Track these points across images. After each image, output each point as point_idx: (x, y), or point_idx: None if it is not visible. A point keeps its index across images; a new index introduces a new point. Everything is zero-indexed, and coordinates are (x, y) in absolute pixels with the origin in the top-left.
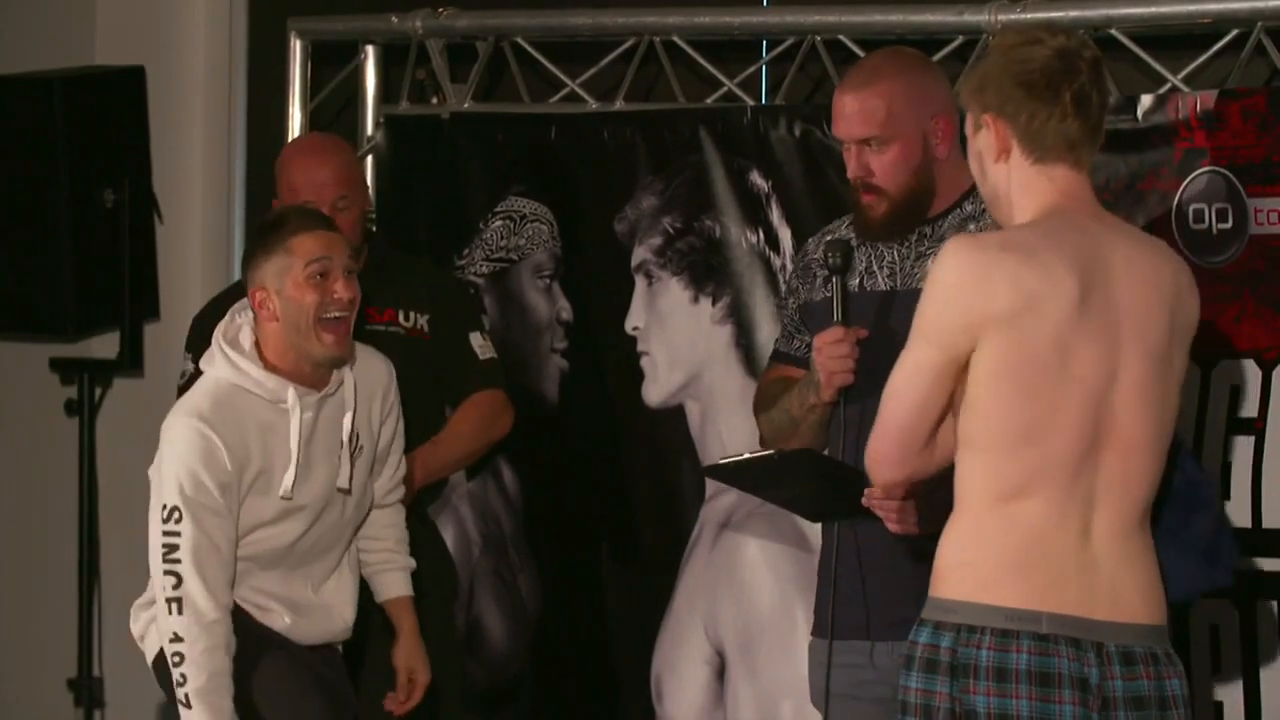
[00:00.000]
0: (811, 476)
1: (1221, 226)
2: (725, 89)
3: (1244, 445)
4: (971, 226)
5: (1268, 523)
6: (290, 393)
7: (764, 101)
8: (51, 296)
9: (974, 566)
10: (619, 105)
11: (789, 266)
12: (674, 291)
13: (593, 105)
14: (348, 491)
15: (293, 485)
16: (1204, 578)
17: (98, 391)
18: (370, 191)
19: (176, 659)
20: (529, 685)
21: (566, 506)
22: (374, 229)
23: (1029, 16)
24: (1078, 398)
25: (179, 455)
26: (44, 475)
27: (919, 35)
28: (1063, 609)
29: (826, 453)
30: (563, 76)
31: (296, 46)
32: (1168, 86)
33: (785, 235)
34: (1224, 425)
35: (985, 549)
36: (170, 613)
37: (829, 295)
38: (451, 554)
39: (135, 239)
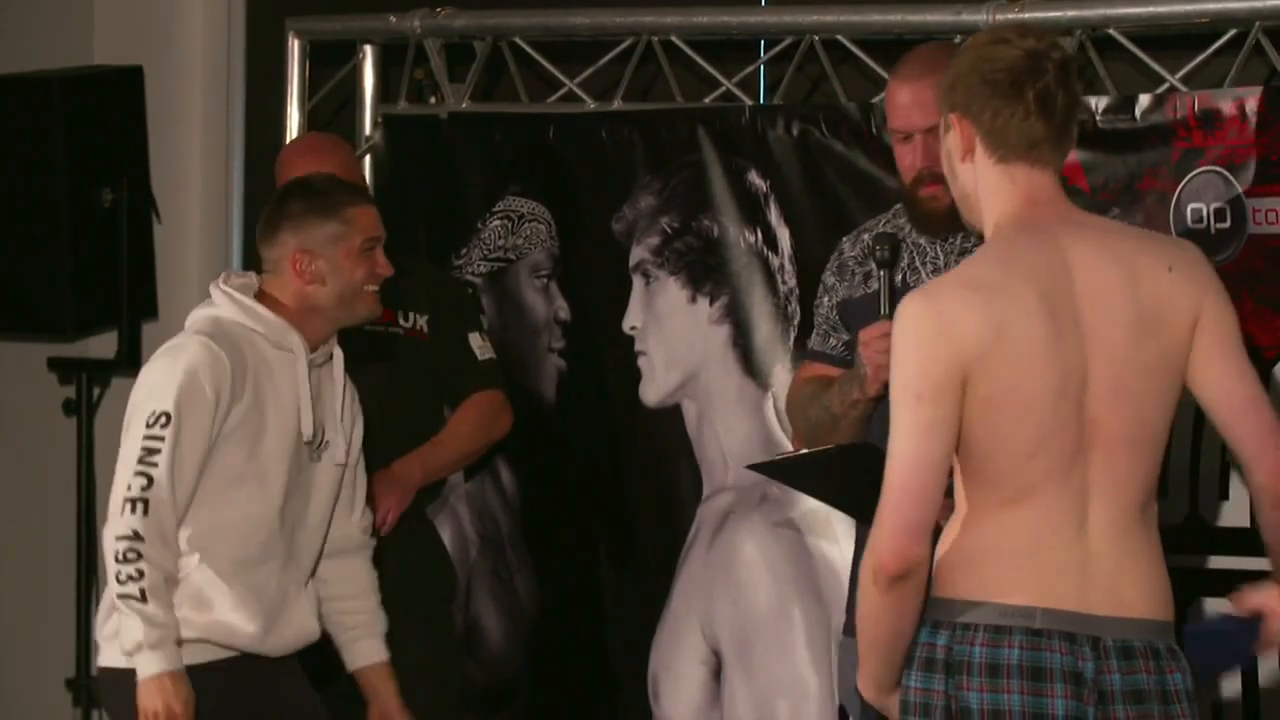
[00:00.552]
0: (875, 469)
1: (1220, 226)
2: (723, 89)
3: None
4: None
5: None
6: (295, 337)
7: (762, 101)
8: (50, 296)
9: (970, 566)
10: (617, 105)
11: (787, 266)
12: (672, 291)
13: (591, 105)
14: (343, 465)
15: (311, 426)
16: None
17: (96, 391)
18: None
19: (132, 555)
20: (526, 685)
21: (564, 506)
22: None
23: (1027, 16)
24: (1062, 409)
25: (182, 364)
26: (42, 475)
27: (917, 35)
28: (1058, 604)
29: None
30: (561, 76)
31: (295, 46)
32: (1166, 86)
33: (783, 235)
34: None
35: (981, 549)
36: (133, 512)
37: (871, 291)
38: (449, 554)
39: (133, 238)
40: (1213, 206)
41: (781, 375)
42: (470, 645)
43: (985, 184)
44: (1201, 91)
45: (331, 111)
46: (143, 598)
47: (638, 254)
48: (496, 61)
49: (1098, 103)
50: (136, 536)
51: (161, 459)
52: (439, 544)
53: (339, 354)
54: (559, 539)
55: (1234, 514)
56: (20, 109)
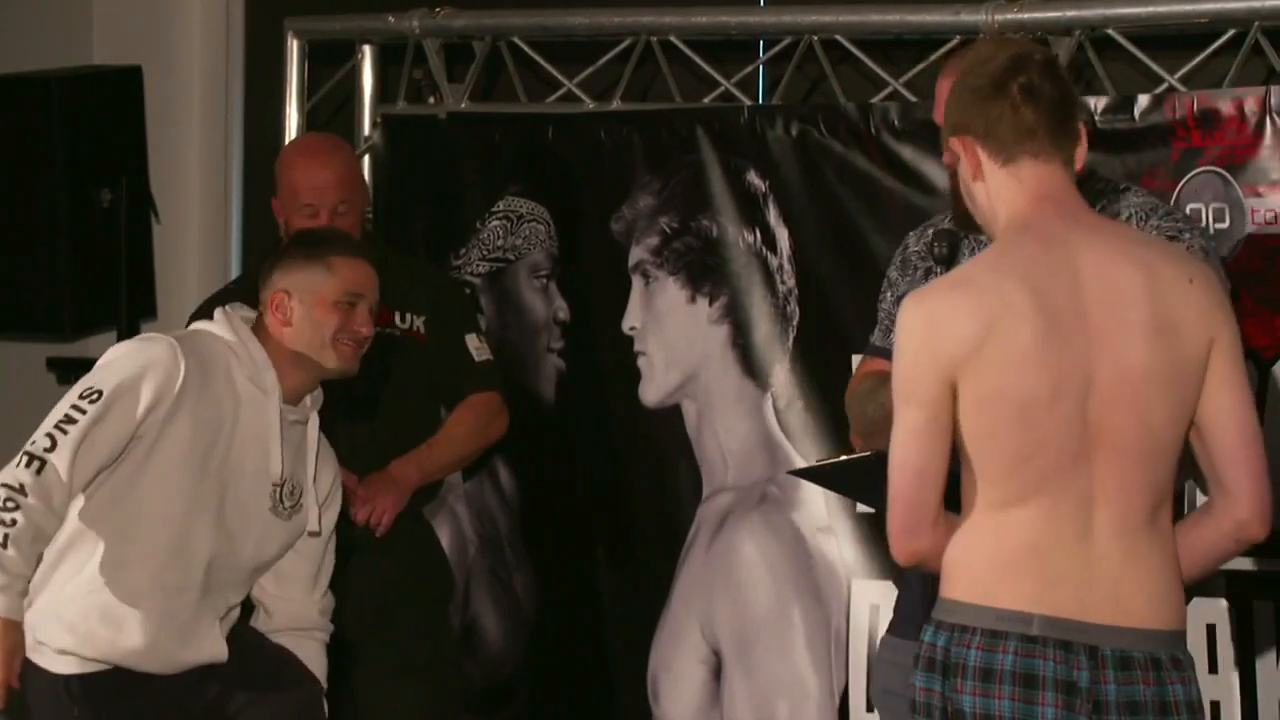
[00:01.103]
0: None
1: (1218, 226)
2: (722, 89)
3: None
4: None
5: None
6: (270, 376)
7: (761, 101)
8: (48, 296)
9: (971, 568)
10: (616, 105)
11: (786, 266)
12: (671, 291)
13: (590, 105)
14: (316, 534)
15: (280, 468)
16: None
17: None
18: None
19: (11, 505)
20: (525, 685)
21: (563, 506)
22: (370, 229)
23: (1026, 16)
24: (1061, 410)
25: (143, 356)
26: None
27: (916, 35)
28: (1056, 612)
29: None
30: (560, 76)
31: (294, 46)
32: (1165, 86)
33: (782, 235)
34: None
35: (982, 552)
36: (28, 467)
37: None
38: (447, 554)
39: (132, 238)
40: (1212, 206)
41: (780, 375)
42: (469, 645)
43: (996, 192)
44: (1200, 91)
45: (330, 111)
46: (4, 543)
47: (637, 254)
48: (495, 61)
49: (1097, 103)
50: (21, 490)
51: (75, 430)
52: (437, 544)
53: (315, 420)
54: (558, 539)
55: None
56: (19, 109)
